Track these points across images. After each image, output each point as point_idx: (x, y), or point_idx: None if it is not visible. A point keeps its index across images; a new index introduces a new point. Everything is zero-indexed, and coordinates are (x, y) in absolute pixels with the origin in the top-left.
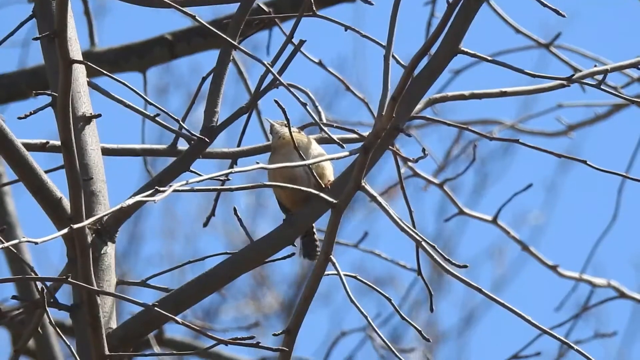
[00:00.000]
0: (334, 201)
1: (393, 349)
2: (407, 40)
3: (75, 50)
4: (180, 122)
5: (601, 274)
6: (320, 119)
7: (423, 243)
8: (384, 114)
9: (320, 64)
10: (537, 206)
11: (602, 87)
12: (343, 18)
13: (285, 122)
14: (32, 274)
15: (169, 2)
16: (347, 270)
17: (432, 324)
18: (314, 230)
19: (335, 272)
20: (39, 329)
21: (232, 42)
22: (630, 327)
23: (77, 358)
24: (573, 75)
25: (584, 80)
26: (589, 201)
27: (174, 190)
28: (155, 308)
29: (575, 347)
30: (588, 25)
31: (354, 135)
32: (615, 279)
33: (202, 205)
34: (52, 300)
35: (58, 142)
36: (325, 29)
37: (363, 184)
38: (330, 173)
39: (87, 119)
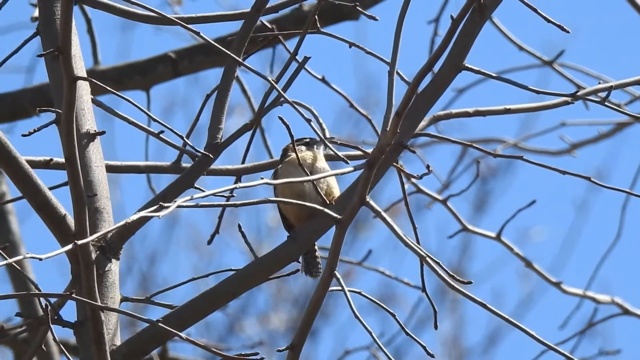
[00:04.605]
0: (338, 217)
1: None
2: (410, 59)
3: (80, 67)
4: (185, 138)
5: (608, 292)
6: (325, 136)
7: (427, 259)
8: (388, 129)
9: (323, 80)
10: (540, 223)
11: (606, 103)
12: (346, 36)
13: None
14: (36, 290)
15: (174, 19)
16: (368, 292)
17: (456, 341)
18: (316, 247)
19: (340, 289)
20: (42, 346)
21: (237, 58)
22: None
23: None
24: (577, 92)
25: (588, 97)
26: (595, 219)
27: (179, 206)
28: (160, 324)
29: None
30: (591, 42)
31: (359, 152)
32: (623, 296)
33: (226, 219)
34: (55, 317)
35: (62, 159)
36: (328, 47)
37: (367, 199)
38: (337, 190)
39: (91, 136)
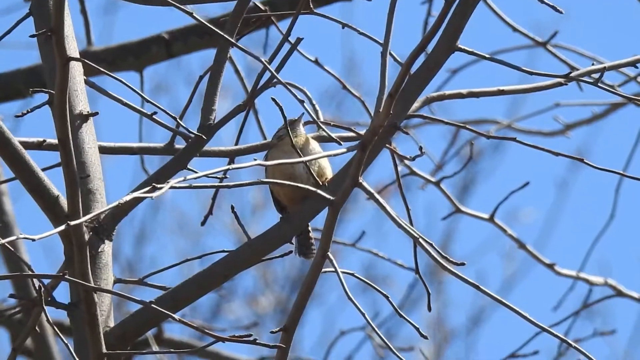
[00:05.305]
0: (331, 198)
1: (392, 348)
2: (403, 40)
3: (72, 48)
4: (178, 119)
5: (604, 273)
6: (318, 117)
7: (420, 240)
8: (381, 110)
9: (316, 62)
10: (532, 205)
11: (599, 84)
12: (339, 17)
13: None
14: (29, 271)
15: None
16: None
17: (441, 322)
18: (309, 228)
19: (333, 270)
20: (36, 327)
21: (230, 39)
22: (638, 327)
23: (75, 357)
24: (570, 73)
25: (582, 78)
26: (588, 201)
27: (171, 187)
28: (153, 305)
29: (574, 344)
30: (584, 24)
31: (352, 134)
32: (618, 278)
33: (210, 201)
34: (49, 298)
35: (55, 141)
36: (321, 29)
37: (360, 181)
38: (329, 172)
39: (84, 117)
